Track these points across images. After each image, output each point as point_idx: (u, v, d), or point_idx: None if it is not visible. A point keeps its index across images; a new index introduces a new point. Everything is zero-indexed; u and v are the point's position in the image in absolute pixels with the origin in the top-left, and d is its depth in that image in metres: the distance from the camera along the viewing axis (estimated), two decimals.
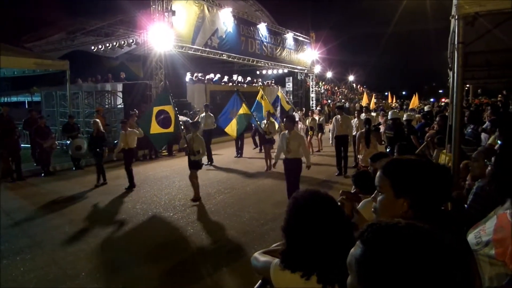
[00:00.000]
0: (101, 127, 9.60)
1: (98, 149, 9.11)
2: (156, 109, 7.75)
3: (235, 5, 19.30)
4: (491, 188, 1.86)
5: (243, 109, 10.37)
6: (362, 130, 8.07)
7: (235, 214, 6.86)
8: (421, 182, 1.36)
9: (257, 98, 12.48)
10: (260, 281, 1.84)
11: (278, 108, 13.37)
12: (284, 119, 7.75)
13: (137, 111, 12.72)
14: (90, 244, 5.57)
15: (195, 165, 7.73)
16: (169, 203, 7.66)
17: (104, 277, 4.60)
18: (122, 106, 15.37)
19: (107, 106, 15.86)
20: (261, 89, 13.12)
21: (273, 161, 8.04)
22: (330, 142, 10.62)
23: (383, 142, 8.37)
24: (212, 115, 12.47)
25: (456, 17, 2.81)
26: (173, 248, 5.43)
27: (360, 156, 7.97)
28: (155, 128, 7.70)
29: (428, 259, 0.76)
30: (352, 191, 3.24)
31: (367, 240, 0.83)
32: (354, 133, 10.34)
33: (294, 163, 6.90)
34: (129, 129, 8.92)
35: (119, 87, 15.96)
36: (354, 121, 11.06)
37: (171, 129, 7.84)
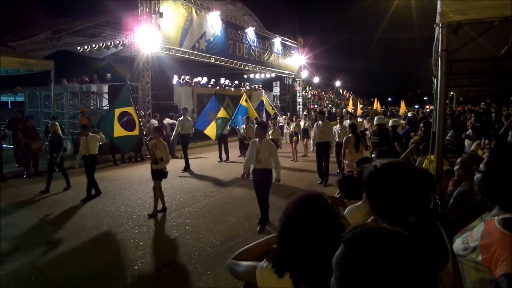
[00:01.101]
0: (59, 130, 9.05)
1: (54, 154, 8.62)
2: (118, 111, 7.28)
3: (224, 9, 19.32)
4: (481, 194, 1.87)
5: (221, 113, 10.18)
6: (349, 135, 8.13)
7: (220, 218, 6.83)
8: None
9: (241, 102, 12.40)
10: (242, 287, 1.82)
11: (263, 113, 13.41)
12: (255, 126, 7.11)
13: None
14: (72, 247, 5.49)
15: (158, 175, 7.09)
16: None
17: (88, 280, 4.52)
18: (108, 107, 15.20)
19: (92, 107, 15.66)
20: (244, 93, 13.00)
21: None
22: (312, 148, 10.36)
23: (369, 148, 8.44)
24: (190, 119, 12.27)
25: (440, 25, 2.86)
26: (157, 252, 5.38)
27: (346, 161, 8.03)
28: (119, 131, 7.24)
29: (401, 266, 0.79)
30: (337, 196, 3.26)
31: (347, 240, 0.86)
32: (337, 140, 10.22)
33: (263, 174, 6.27)
34: (90, 134, 8.34)
35: (105, 88, 15.80)
36: (336, 128, 10.77)
37: (135, 131, 7.40)
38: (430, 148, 3.88)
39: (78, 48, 16.12)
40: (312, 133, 10.30)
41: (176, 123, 12.27)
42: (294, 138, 13.35)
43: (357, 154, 7.68)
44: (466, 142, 6.95)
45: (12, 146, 11.70)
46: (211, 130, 10.23)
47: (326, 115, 13.23)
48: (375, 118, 9.58)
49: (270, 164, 6.31)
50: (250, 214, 6.93)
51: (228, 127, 12.58)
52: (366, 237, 0.84)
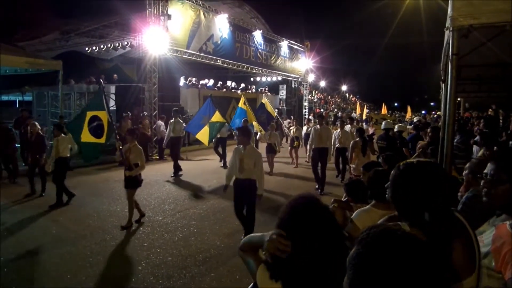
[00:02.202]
0: (39, 130, 8.49)
1: (38, 155, 8.15)
2: (89, 114, 6.63)
3: (231, 12, 19.39)
4: (489, 201, 1.86)
5: (216, 117, 9.71)
6: (356, 140, 8.08)
7: (224, 220, 6.81)
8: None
9: (239, 105, 12.10)
10: (252, 284, 1.81)
11: (265, 115, 12.91)
12: (237, 131, 6.41)
13: (130, 114, 12.62)
14: (77, 246, 5.51)
15: (131, 183, 6.44)
16: (159, 207, 7.61)
17: (90, 279, 4.52)
18: (115, 108, 15.27)
19: None
20: (243, 95, 12.62)
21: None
22: (307, 154, 9.75)
23: (376, 152, 8.40)
24: (181, 121, 11.90)
25: (451, 29, 2.84)
26: (161, 252, 5.37)
27: (353, 165, 7.98)
28: (86, 136, 6.60)
29: (414, 269, 0.78)
30: (344, 199, 3.24)
31: (361, 240, 0.86)
32: (337, 145, 9.98)
33: (247, 186, 5.60)
34: (62, 135, 7.78)
35: (112, 89, 15.88)
36: (337, 133, 10.28)
37: (102, 139, 6.70)
38: (438, 153, 3.85)
39: (86, 48, 16.25)
40: (309, 138, 9.61)
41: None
42: (295, 143, 12.89)
43: (364, 158, 7.63)
44: (474, 148, 6.90)
45: (19, 145, 11.76)
46: (203, 135, 9.74)
47: (332, 119, 13.06)
48: (383, 123, 9.53)
49: (254, 174, 5.63)
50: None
51: (227, 130, 12.36)
52: (381, 239, 0.83)
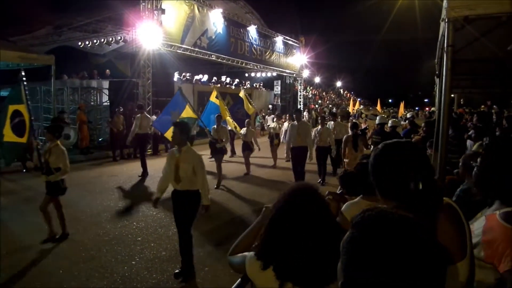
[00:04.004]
0: None
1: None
2: (11, 108, 5.73)
3: (226, 6, 19.28)
4: (477, 189, 1.86)
5: (186, 112, 8.50)
6: (349, 134, 8.09)
7: (218, 214, 6.79)
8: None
9: (210, 98, 10.55)
10: (239, 279, 1.80)
11: (242, 111, 11.72)
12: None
13: (122, 109, 12.53)
14: (69, 242, 5.47)
15: (52, 189, 5.43)
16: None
17: (83, 274, 4.48)
18: (108, 103, 15.17)
19: (92, 103, 15.62)
20: (215, 88, 11.09)
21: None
22: (285, 154, 8.76)
23: (369, 147, 8.43)
24: (149, 116, 10.92)
25: (446, 20, 2.82)
26: (155, 247, 5.34)
27: (346, 160, 7.99)
28: (9, 135, 5.70)
29: (411, 252, 0.76)
30: (338, 192, 3.23)
31: (355, 223, 0.83)
32: (319, 144, 8.95)
33: (186, 200, 4.40)
34: None
35: (105, 84, 15.77)
36: (318, 129, 9.24)
37: (24, 139, 5.74)
38: (433, 145, 3.85)
39: (79, 43, 16.10)
40: (286, 135, 8.58)
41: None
42: (275, 141, 11.75)
43: (356, 153, 7.65)
44: (468, 142, 6.93)
45: None
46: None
47: (326, 116, 12.40)
48: (377, 118, 9.56)
49: (195, 184, 4.41)
50: (247, 211, 6.93)
51: (196, 128, 11.19)
52: (376, 222, 0.80)
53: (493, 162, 1.81)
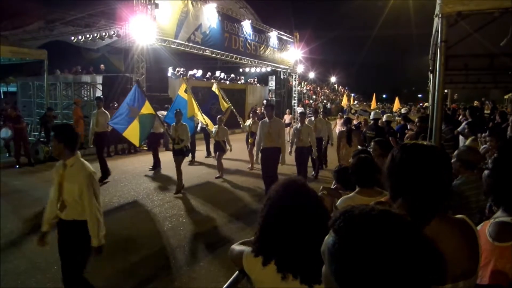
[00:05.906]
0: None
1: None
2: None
3: (220, 1, 19.14)
4: (487, 192, 1.82)
5: (146, 108, 7.66)
6: (343, 129, 8.10)
7: (213, 211, 6.80)
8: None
9: (179, 92, 9.55)
10: (236, 272, 1.81)
11: (216, 107, 10.63)
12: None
13: (116, 104, 12.46)
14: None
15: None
16: (147, 197, 7.55)
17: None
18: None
19: (85, 98, 15.53)
20: (184, 82, 10.10)
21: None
22: (254, 158, 7.99)
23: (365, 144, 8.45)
24: (106, 112, 9.35)
25: (440, 16, 2.83)
26: (150, 243, 5.34)
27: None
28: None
29: (399, 249, 0.73)
30: (333, 187, 3.25)
31: (339, 229, 0.79)
32: (298, 144, 8.02)
33: (71, 232, 3.28)
34: None
35: (99, 79, 15.68)
36: (297, 127, 8.30)
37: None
38: (427, 140, 3.87)
39: (72, 38, 15.93)
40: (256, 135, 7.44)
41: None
42: (250, 140, 10.21)
43: (350, 148, 7.68)
44: (460, 137, 6.99)
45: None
46: (132, 132, 7.57)
47: (321, 111, 11.85)
48: (372, 113, 9.59)
49: (79, 210, 3.18)
50: (241, 207, 6.94)
51: (160, 123, 9.50)
52: (358, 224, 0.77)
53: (508, 168, 1.74)
